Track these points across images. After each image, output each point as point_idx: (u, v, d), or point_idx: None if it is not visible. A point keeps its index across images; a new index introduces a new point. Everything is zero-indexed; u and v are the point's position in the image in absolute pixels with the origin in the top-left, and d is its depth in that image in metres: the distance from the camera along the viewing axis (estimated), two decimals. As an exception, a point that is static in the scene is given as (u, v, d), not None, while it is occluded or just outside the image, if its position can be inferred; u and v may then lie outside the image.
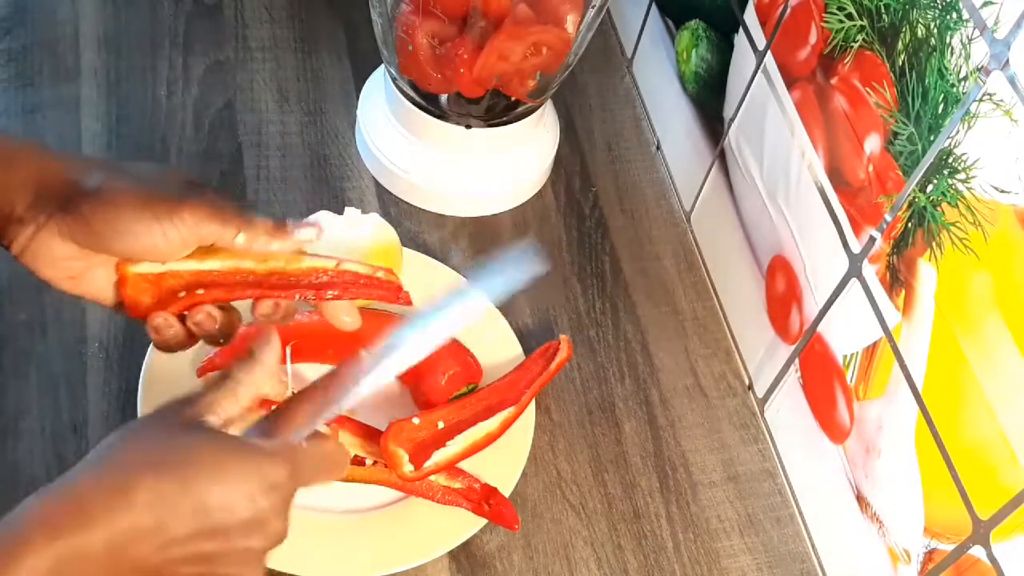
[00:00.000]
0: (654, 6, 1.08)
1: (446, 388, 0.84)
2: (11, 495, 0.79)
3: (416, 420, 0.80)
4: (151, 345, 0.84)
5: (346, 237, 0.86)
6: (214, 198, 0.64)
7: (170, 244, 0.62)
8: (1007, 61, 0.62)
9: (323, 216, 0.88)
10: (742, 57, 0.91)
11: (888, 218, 0.74)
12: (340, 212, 0.89)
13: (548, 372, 0.86)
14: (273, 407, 0.61)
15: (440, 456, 0.79)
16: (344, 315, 0.67)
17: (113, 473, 0.53)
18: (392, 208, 1.00)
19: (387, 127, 1.00)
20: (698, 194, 1.01)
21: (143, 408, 0.81)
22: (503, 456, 0.84)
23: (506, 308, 0.93)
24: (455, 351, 0.86)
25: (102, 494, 0.52)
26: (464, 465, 0.82)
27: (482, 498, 0.81)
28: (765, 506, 0.88)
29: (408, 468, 0.78)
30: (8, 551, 0.50)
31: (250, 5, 1.12)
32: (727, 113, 0.94)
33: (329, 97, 1.06)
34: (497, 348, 0.89)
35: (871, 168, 0.75)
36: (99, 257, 0.63)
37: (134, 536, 0.52)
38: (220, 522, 0.54)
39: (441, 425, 0.80)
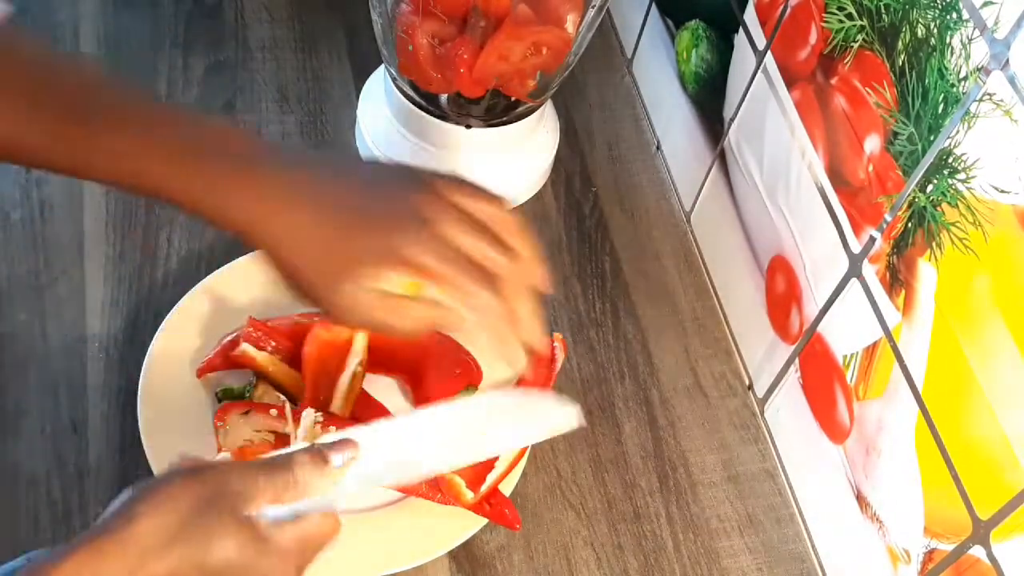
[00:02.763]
0: (654, 6, 1.08)
1: (446, 389, 0.84)
2: (11, 495, 0.80)
3: None
4: (151, 345, 0.84)
5: None
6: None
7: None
8: (1007, 61, 0.62)
9: None
10: (742, 57, 0.91)
11: (888, 218, 0.74)
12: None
13: (553, 378, 0.87)
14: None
15: (492, 478, 0.79)
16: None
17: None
18: (392, 208, 1.00)
19: (387, 127, 1.00)
20: (698, 194, 1.01)
21: (143, 408, 0.81)
22: (503, 456, 0.84)
23: (506, 308, 0.94)
24: (455, 352, 0.86)
25: None
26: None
27: (483, 498, 0.80)
28: (765, 506, 0.88)
29: (469, 495, 0.78)
30: None
31: (250, 5, 1.12)
32: (727, 113, 0.94)
33: (329, 97, 1.06)
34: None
35: (871, 168, 0.75)
36: None
37: None
38: None
39: None
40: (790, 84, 0.84)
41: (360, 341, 0.80)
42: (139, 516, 0.51)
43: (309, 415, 0.76)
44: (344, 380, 0.79)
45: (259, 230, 0.62)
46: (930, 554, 0.72)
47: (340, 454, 0.59)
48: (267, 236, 0.62)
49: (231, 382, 0.83)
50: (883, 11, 0.73)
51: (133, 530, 0.51)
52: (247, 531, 0.54)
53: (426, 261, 0.61)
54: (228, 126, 0.64)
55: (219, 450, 0.77)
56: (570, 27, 0.91)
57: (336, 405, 0.80)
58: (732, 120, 0.93)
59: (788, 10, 0.83)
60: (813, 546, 0.86)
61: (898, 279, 0.73)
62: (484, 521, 0.81)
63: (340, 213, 0.62)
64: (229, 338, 0.84)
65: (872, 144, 0.75)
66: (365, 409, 0.84)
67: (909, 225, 0.72)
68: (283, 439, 0.76)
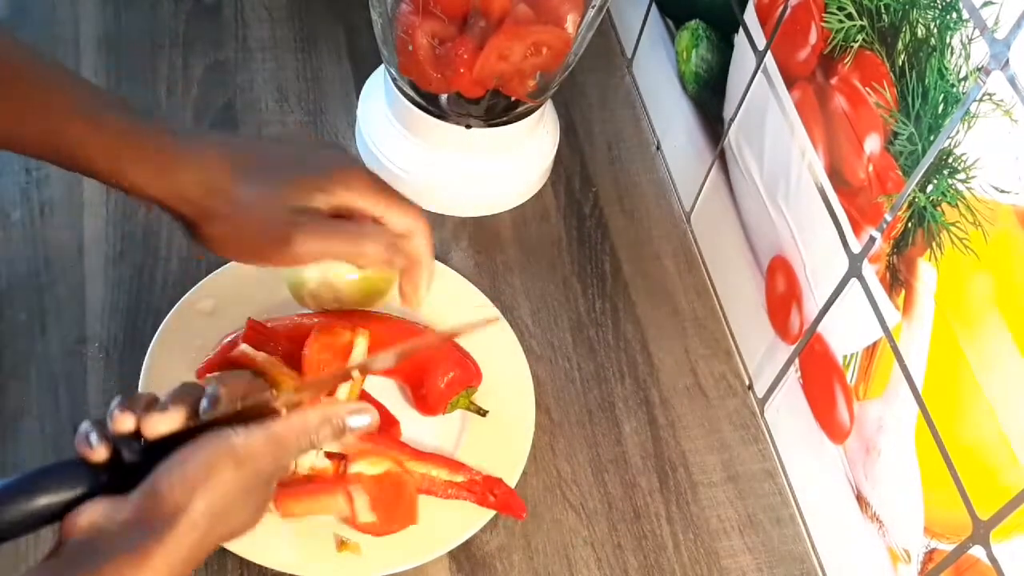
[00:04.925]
0: (654, 6, 1.08)
1: (445, 391, 0.84)
2: (11, 495, 0.79)
3: None
4: (151, 345, 0.84)
5: None
6: (328, 216, 0.65)
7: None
8: (1007, 61, 0.62)
9: None
10: (742, 57, 0.91)
11: (888, 218, 0.74)
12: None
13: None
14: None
15: None
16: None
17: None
18: (392, 208, 1.00)
19: (387, 127, 1.00)
20: (698, 194, 1.01)
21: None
22: (503, 456, 0.84)
23: (506, 308, 0.94)
24: (454, 354, 0.86)
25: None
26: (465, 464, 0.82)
27: (486, 489, 0.81)
28: (765, 506, 0.88)
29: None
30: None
31: (250, 5, 1.12)
32: (727, 113, 0.94)
33: (329, 97, 1.06)
34: (497, 350, 0.89)
35: (871, 168, 0.75)
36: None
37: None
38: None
39: None
40: (790, 84, 0.84)
41: (361, 344, 0.80)
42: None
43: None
44: (345, 382, 0.79)
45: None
46: (930, 554, 0.72)
47: (356, 422, 0.61)
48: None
49: (231, 382, 0.83)
50: (883, 11, 0.73)
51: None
52: (242, 474, 0.58)
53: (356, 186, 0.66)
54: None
55: None
56: (570, 27, 0.91)
57: None
58: (732, 120, 0.93)
59: (788, 10, 0.83)
60: (813, 546, 0.86)
61: (898, 279, 0.73)
62: (484, 520, 0.81)
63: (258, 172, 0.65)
64: (229, 338, 0.84)
65: (872, 144, 0.75)
66: None
67: (909, 225, 0.72)
68: None
